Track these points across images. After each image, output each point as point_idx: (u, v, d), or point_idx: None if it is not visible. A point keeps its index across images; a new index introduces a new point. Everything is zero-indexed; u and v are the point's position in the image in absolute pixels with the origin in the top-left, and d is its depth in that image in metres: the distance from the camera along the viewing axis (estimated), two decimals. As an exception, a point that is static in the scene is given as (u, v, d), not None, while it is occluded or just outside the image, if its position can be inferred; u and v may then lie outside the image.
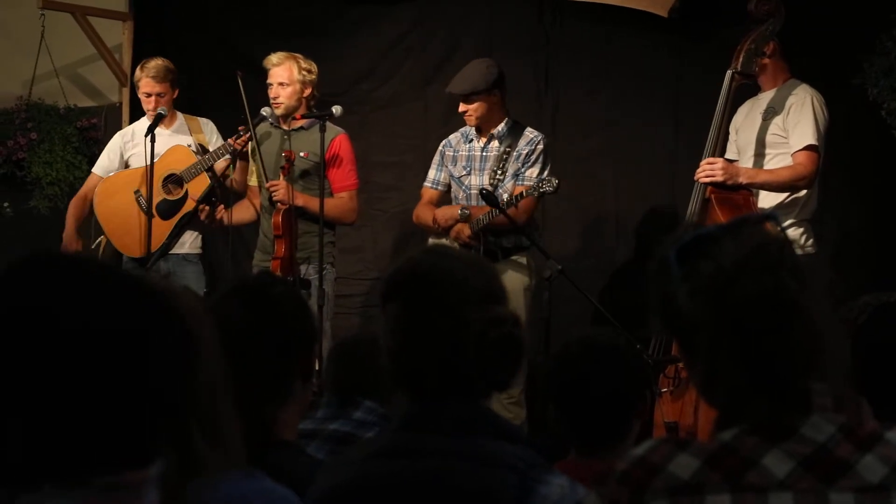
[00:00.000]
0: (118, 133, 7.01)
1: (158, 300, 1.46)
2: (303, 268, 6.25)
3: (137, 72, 6.78)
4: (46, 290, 1.41)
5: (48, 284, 1.41)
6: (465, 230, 6.12)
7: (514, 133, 6.22)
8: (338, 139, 6.37)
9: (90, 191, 6.83)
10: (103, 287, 1.43)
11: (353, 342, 3.82)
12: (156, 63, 6.74)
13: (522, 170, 6.16)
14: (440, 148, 6.50)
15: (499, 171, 6.13)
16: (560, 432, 2.96)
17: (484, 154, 6.26)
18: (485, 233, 6.12)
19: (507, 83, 7.27)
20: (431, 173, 6.48)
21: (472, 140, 6.34)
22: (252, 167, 6.59)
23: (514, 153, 6.17)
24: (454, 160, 6.38)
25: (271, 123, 6.38)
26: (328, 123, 6.23)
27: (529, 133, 6.24)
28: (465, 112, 6.24)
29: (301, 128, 6.42)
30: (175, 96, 6.78)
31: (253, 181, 6.58)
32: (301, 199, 6.22)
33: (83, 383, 1.36)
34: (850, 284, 5.41)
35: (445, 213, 6.30)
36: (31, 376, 1.35)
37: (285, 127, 6.43)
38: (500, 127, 6.27)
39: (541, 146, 6.21)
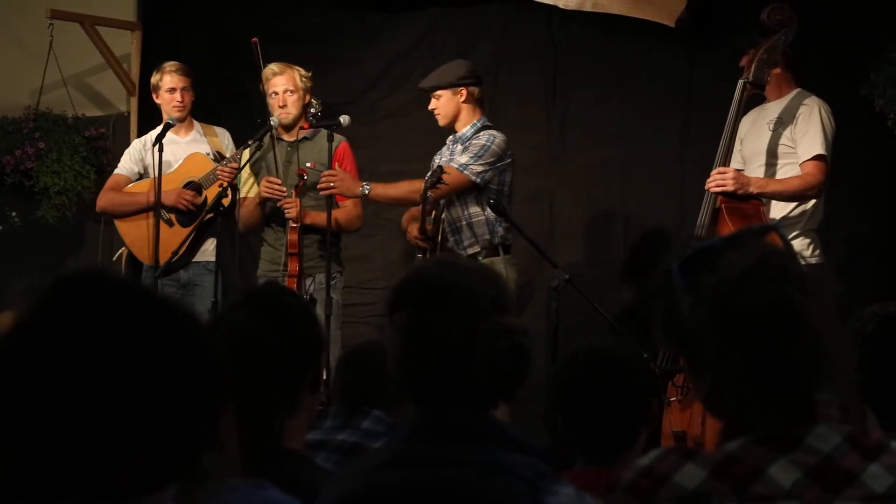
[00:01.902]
0: (137, 140, 7.02)
1: (199, 324, 1.48)
2: (307, 280, 6.26)
3: (156, 75, 6.78)
4: (103, 311, 1.42)
5: (107, 308, 1.43)
6: (413, 230, 6.11)
7: (475, 134, 6.18)
8: (340, 147, 6.38)
9: (118, 187, 6.83)
10: (157, 314, 1.45)
11: (361, 351, 3.82)
12: (174, 62, 6.81)
13: (457, 156, 6.10)
14: (434, 157, 6.50)
15: (429, 179, 6.01)
16: (567, 441, 2.96)
17: (451, 157, 6.24)
18: (444, 235, 6.09)
19: (516, 92, 7.30)
20: None
21: (449, 146, 6.34)
22: (248, 178, 6.56)
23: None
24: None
25: (274, 136, 6.37)
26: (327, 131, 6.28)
27: (483, 132, 6.16)
28: (434, 111, 6.25)
29: (305, 138, 6.43)
30: (193, 99, 6.81)
31: (253, 192, 6.55)
32: (309, 219, 6.23)
33: (120, 407, 1.37)
34: (858, 295, 5.41)
35: (407, 214, 6.34)
36: (69, 394, 1.36)
37: (288, 138, 6.44)
38: (467, 129, 6.22)
39: (481, 140, 6.09)
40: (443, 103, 6.20)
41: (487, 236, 6.12)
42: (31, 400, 1.36)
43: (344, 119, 6.17)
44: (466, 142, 6.17)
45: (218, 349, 1.49)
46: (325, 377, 5.61)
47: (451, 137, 6.35)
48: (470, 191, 6.09)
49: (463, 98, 6.19)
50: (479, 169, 6.05)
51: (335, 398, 3.72)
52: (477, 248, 6.09)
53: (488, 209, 6.02)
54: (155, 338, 1.41)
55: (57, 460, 1.34)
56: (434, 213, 6.10)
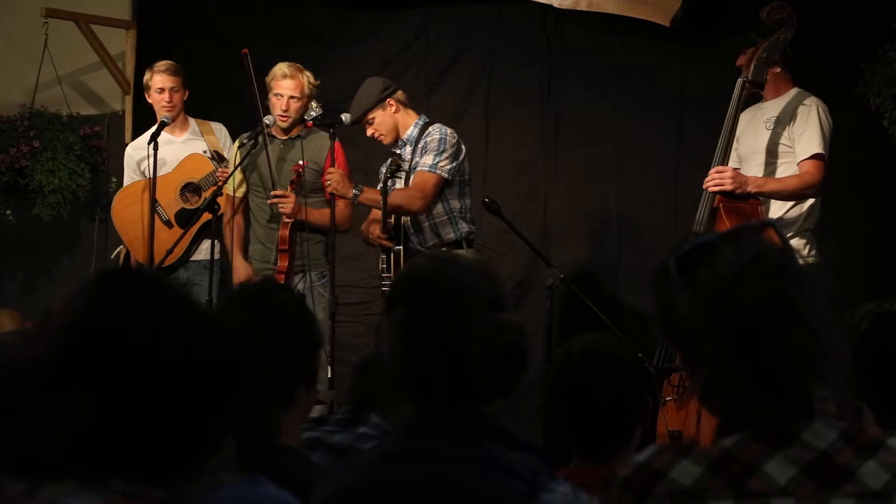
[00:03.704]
0: (129, 147, 6.99)
1: (233, 336, 1.52)
2: (297, 277, 6.26)
3: (147, 75, 6.76)
4: (140, 313, 1.47)
5: (141, 308, 1.48)
6: (376, 230, 6.11)
7: (422, 132, 6.18)
8: (333, 146, 6.38)
9: None
10: (202, 323, 1.50)
11: (375, 359, 3.82)
12: (165, 61, 6.78)
13: (419, 160, 6.08)
14: (380, 168, 6.47)
15: (388, 168, 6.02)
16: (561, 438, 2.96)
17: (403, 162, 6.22)
18: (406, 233, 6.09)
19: (510, 91, 7.28)
20: None
21: (396, 152, 6.32)
22: (238, 177, 6.53)
23: (418, 149, 6.14)
24: None
25: (267, 134, 6.34)
26: (321, 131, 6.32)
27: (431, 128, 6.18)
28: (373, 135, 6.23)
29: (298, 136, 6.42)
30: (186, 97, 6.79)
31: (240, 192, 6.54)
32: (303, 214, 6.21)
33: (153, 400, 1.43)
34: (854, 293, 5.40)
35: (367, 221, 6.32)
36: (117, 386, 1.42)
37: (281, 136, 6.42)
38: (410, 130, 6.22)
39: (436, 135, 6.10)
40: (378, 123, 6.20)
41: (452, 235, 6.13)
42: (78, 385, 1.43)
43: (346, 117, 6.15)
44: (415, 142, 6.18)
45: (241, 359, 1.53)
46: (330, 375, 5.66)
47: (396, 143, 6.32)
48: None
49: (394, 109, 6.21)
50: (448, 165, 6.08)
51: (346, 400, 3.74)
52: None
53: (452, 203, 6.11)
54: (198, 342, 1.49)
55: (87, 441, 1.40)
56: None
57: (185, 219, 6.57)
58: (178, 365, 1.44)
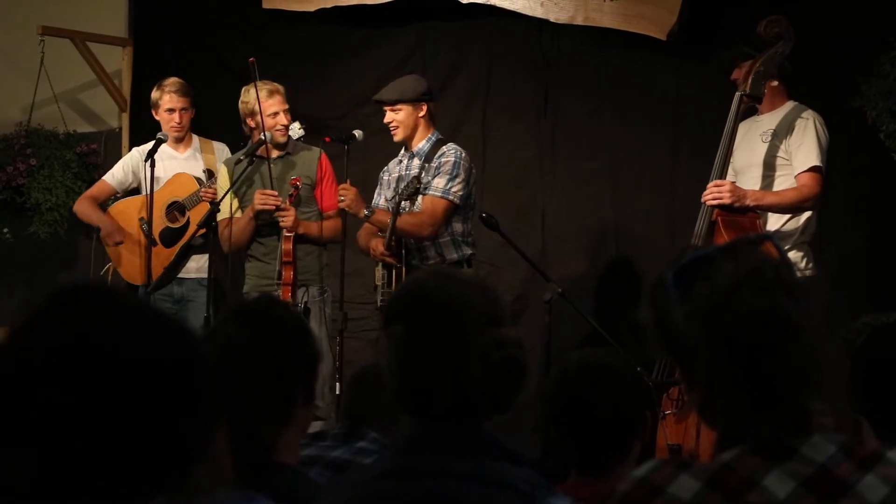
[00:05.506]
0: (136, 149, 7.00)
1: (196, 340, 1.49)
2: (300, 291, 6.27)
3: (156, 92, 6.77)
4: (97, 326, 1.43)
5: (99, 321, 1.44)
6: (379, 246, 6.10)
7: (435, 149, 6.18)
8: (322, 158, 6.44)
9: (100, 195, 6.89)
10: (155, 328, 1.46)
11: (371, 372, 3.81)
12: (174, 80, 6.78)
13: (430, 181, 6.07)
14: (380, 173, 6.50)
15: (405, 189, 6.01)
16: (560, 453, 2.96)
17: (407, 173, 6.22)
18: (408, 251, 6.09)
19: (507, 105, 7.29)
20: (374, 199, 6.42)
21: (402, 161, 6.34)
22: (233, 199, 6.53)
23: (429, 167, 6.14)
24: (389, 184, 6.37)
25: (259, 155, 6.36)
26: (309, 146, 6.44)
27: (446, 147, 6.17)
28: (391, 122, 6.21)
29: (287, 153, 6.45)
30: (192, 116, 6.80)
31: (238, 213, 6.55)
32: (302, 228, 6.26)
33: (119, 418, 1.38)
34: (851, 306, 5.40)
35: (364, 231, 6.32)
36: (66, 407, 1.37)
37: (274, 154, 6.43)
38: (422, 144, 6.22)
39: (451, 158, 6.09)
40: (403, 117, 6.18)
41: (455, 255, 6.12)
42: (26, 408, 1.37)
43: (358, 133, 6.25)
44: (425, 157, 6.18)
45: (209, 363, 1.49)
46: (338, 392, 5.67)
47: (403, 152, 6.35)
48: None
49: (422, 113, 6.20)
50: (461, 192, 6.08)
51: (341, 416, 3.73)
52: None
53: (454, 226, 6.11)
54: (147, 352, 1.42)
55: (50, 465, 1.35)
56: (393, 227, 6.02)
57: (169, 238, 6.58)
58: (132, 372, 1.39)
